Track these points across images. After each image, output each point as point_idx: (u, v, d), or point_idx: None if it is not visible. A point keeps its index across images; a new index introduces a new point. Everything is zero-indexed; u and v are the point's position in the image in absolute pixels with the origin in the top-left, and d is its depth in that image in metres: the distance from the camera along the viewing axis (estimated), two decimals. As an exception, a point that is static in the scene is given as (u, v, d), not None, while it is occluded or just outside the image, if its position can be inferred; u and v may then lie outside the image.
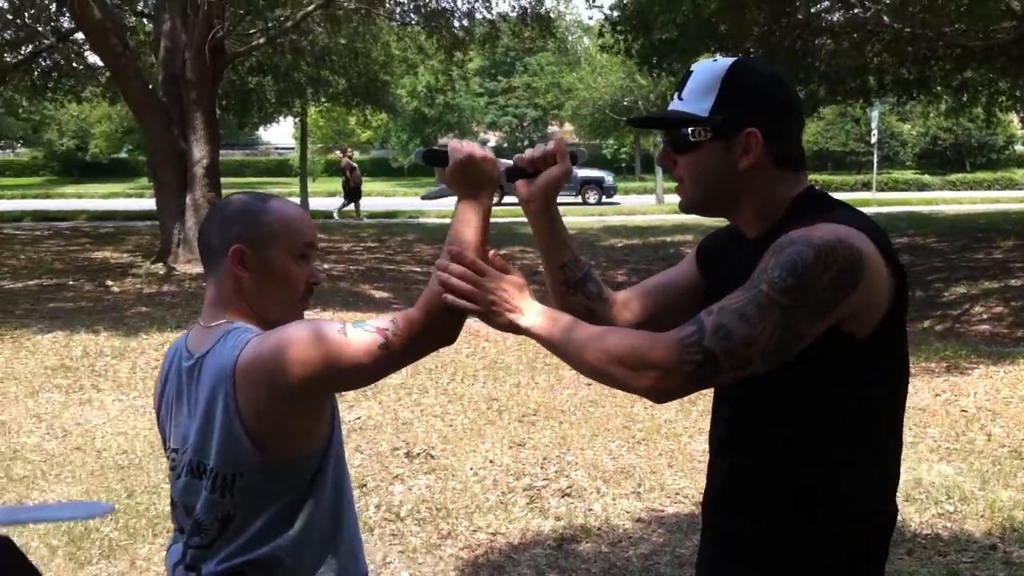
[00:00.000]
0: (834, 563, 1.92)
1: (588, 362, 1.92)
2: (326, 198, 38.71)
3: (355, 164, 29.52)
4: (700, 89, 2.03)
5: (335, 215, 28.56)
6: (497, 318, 2.01)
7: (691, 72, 2.07)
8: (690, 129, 2.02)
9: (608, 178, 37.84)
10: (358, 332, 2.01)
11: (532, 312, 2.00)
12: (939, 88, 21.15)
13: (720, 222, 2.21)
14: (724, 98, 1.99)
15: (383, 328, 2.02)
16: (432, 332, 2.07)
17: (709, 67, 2.04)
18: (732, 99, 1.99)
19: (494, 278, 2.02)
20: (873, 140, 36.68)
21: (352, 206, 29.04)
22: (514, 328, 2.01)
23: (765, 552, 2.00)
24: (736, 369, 1.80)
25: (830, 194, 2.09)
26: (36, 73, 24.42)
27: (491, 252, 2.10)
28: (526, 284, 2.05)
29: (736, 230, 2.16)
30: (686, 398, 2.18)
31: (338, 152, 31.77)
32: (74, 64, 24.99)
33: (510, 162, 2.27)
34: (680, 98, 2.06)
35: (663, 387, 1.84)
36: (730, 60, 2.04)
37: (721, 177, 2.02)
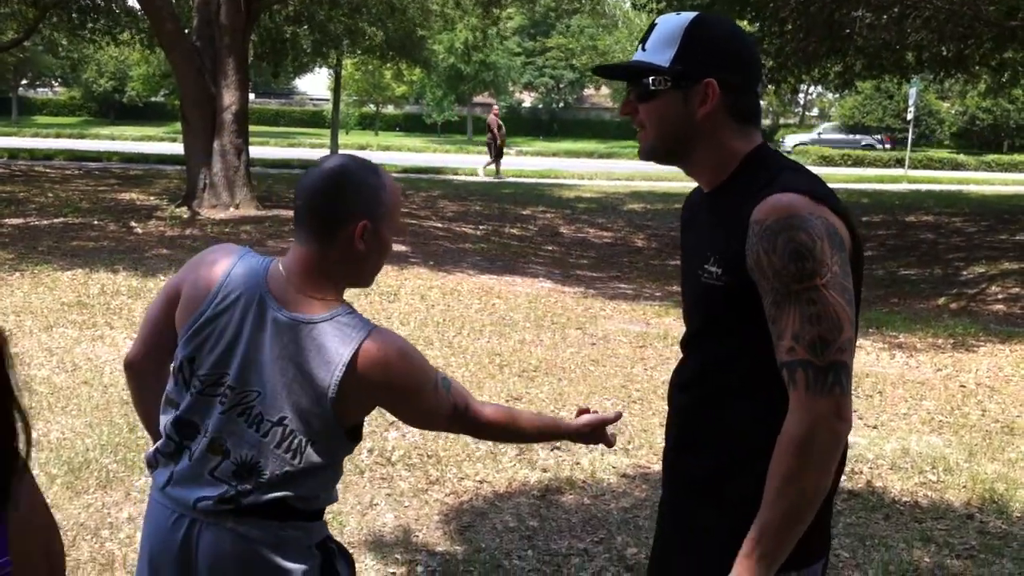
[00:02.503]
0: None
1: (806, 496, 1.91)
2: (356, 150, 38.82)
3: (501, 123, 29.28)
4: (662, 41, 2.09)
5: (479, 172, 28.57)
6: None
7: (655, 24, 2.14)
8: (651, 79, 2.08)
9: None
10: (442, 392, 2.29)
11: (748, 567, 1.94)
12: (977, 67, 20.87)
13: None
14: (684, 50, 2.06)
15: (459, 406, 2.33)
16: (478, 435, 2.54)
17: (672, 20, 2.11)
18: (692, 51, 2.06)
19: None
20: (909, 117, 36.32)
21: (494, 165, 28.98)
22: None
23: (722, 494, 2.09)
24: (853, 354, 1.94)
25: (782, 153, 2.17)
26: (75, 11, 24.56)
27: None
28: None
29: (700, 193, 2.25)
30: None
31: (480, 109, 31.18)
32: (112, 5, 25.12)
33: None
34: (643, 49, 2.13)
35: (844, 423, 1.91)
36: (693, 14, 2.10)
37: (678, 125, 2.10)
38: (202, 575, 2.22)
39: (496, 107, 33.91)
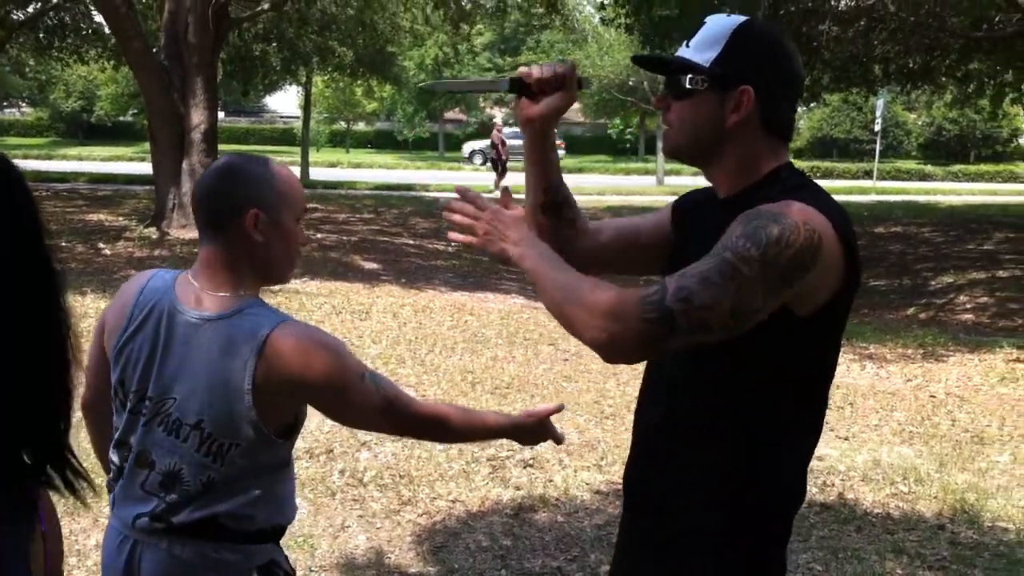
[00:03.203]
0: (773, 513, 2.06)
1: (558, 303, 1.99)
2: (327, 168, 38.80)
3: (505, 139, 29.05)
4: (708, 40, 2.06)
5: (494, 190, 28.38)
6: (491, 247, 2.13)
7: (704, 23, 2.10)
8: (688, 76, 2.05)
9: None
10: (369, 384, 2.25)
11: (525, 244, 2.09)
12: (943, 78, 21.06)
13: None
14: (727, 53, 2.02)
15: (390, 398, 2.27)
16: (416, 433, 2.50)
17: (721, 21, 2.07)
18: (734, 55, 2.02)
19: (494, 211, 2.15)
20: (877, 128, 36.61)
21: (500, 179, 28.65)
22: (505, 257, 2.10)
23: (710, 481, 2.06)
24: (692, 332, 1.84)
25: (808, 175, 2.11)
26: (42, 31, 24.45)
27: (502, 186, 2.40)
28: (524, 220, 2.19)
29: (711, 192, 2.19)
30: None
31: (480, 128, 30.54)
32: (81, 24, 25.02)
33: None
34: (688, 45, 2.09)
35: (616, 341, 1.87)
36: (743, 18, 2.07)
37: (707, 128, 2.06)
38: None
39: (499, 124, 33.76)
